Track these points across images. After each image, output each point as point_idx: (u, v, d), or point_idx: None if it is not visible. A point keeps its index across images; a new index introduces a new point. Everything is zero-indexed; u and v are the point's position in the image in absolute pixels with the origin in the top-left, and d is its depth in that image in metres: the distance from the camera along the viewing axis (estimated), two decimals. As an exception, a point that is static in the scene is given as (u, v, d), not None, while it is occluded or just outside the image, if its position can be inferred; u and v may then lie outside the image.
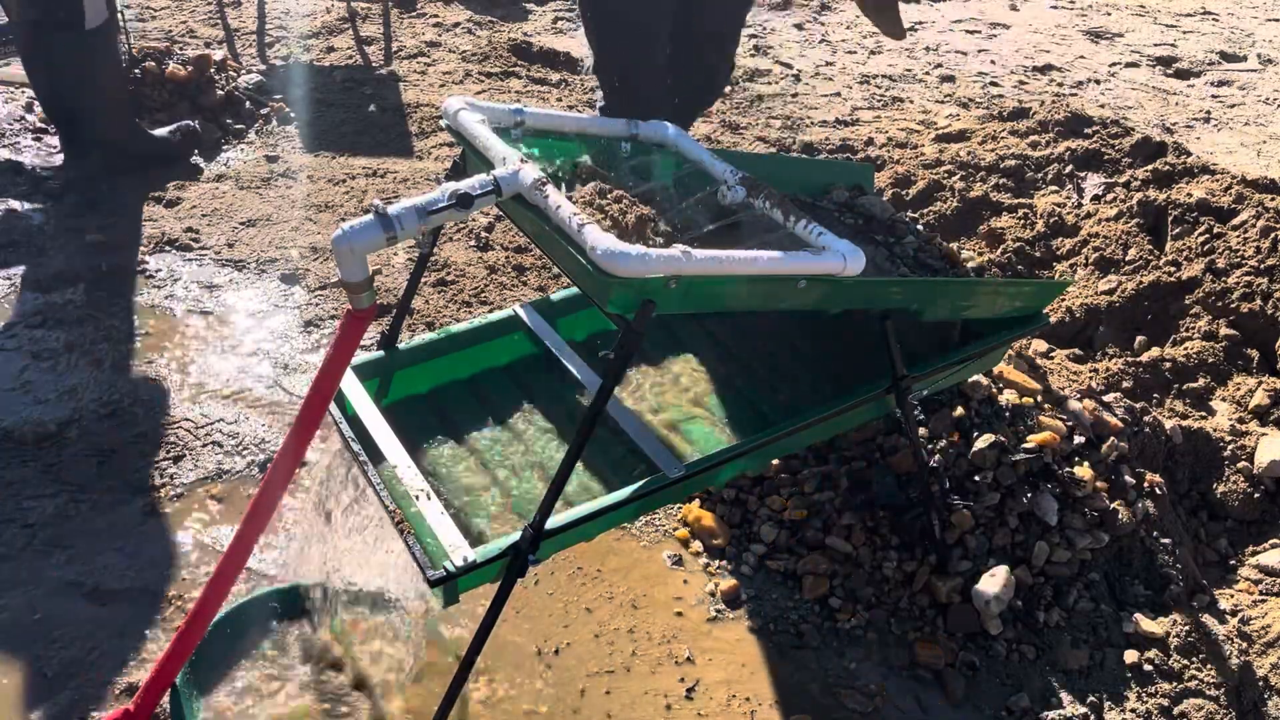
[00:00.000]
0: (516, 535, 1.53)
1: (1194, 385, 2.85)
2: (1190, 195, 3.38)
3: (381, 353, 1.96)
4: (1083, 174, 3.86)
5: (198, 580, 2.15)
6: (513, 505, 1.77)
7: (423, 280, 3.08)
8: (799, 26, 6.24)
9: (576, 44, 5.56)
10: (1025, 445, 2.29)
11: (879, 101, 5.03)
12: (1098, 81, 5.53)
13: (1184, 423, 2.63)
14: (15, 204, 3.50)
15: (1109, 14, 6.85)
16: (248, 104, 4.31)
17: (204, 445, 2.52)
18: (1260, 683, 2.08)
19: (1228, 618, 2.24)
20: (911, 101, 5.03)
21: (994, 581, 2.15)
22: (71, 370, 2.75)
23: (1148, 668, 2.08)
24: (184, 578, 2.16)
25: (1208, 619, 2.15)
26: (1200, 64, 5.86)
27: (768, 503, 2.40)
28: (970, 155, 4.03)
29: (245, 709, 1.82)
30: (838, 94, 5.10)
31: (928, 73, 5.49)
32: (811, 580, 2.23)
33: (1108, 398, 2.56)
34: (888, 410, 2.11)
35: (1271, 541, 2.46)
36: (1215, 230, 3.25)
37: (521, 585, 2.06)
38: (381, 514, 1.66)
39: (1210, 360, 2.91)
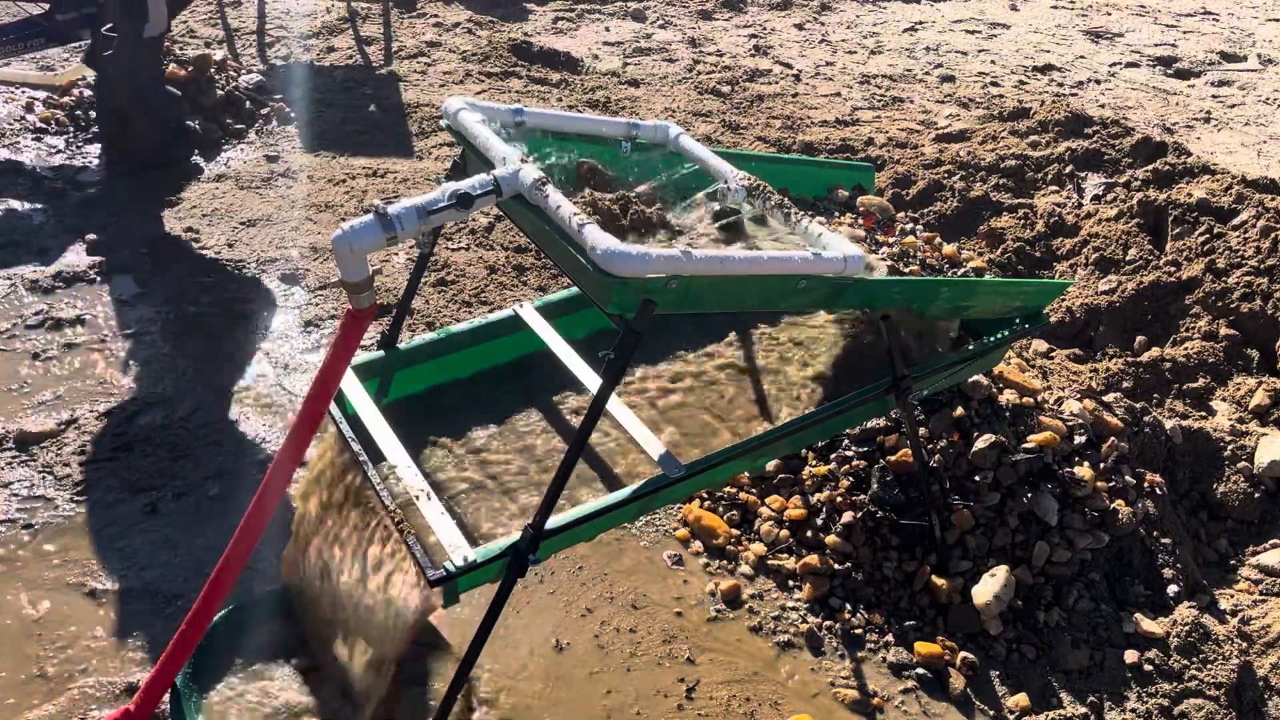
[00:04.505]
0: (516, 535, 1.53)
1: (1194, 385, 2.85)
2: (1190, 195, 3.38)
3: (381, 353, 1.96)
4: (1083, 174, 3.86)
5: (198, 580, 2.15)
6: (512, 504, 1.77)
7: (423, 280, 3.08)
8: (799, 26, 6.24)
9: (576, 44, 5.56)
10: (1025, 445, 2.29)
11: (879, 101, 5.03)
12: (1098, 81, 5.53)
13: (1184, 423, 2.63)
14: (15, 204, 3.50)
15: (1109, 14, 6.85)
16: (248, 104, 4.31)
17: (204, 445, 2.52)
18: (1260, 683, 2.08)
19: (1228, 618, 2.24)
20: (911, 101, 5.03)
21: (994, 581, 2.15)
22: (71, 370, 2.75)
23: (1148, 668, 2.08)
24: (184, 578, 2.16)
25: (1208, 619, 2.15)
26: (1200, 64, 5.86)
27: (768, 503, 2.41)
28: (970, 155, 4.03)
29: (244, 709, 1.82)
30: (838, 94, 5.10)
31: (928, 73, 5.49)
32: (811, 580, 2.23)
33: (1108, 398, 2.56)
34: (888, 410, 2.11)
35: (1271, 541, 2.46)
36: (1215, 230, 3.25)
37: (522, 585, 2.07)
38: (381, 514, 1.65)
39: (1210, 360, 2.91)
